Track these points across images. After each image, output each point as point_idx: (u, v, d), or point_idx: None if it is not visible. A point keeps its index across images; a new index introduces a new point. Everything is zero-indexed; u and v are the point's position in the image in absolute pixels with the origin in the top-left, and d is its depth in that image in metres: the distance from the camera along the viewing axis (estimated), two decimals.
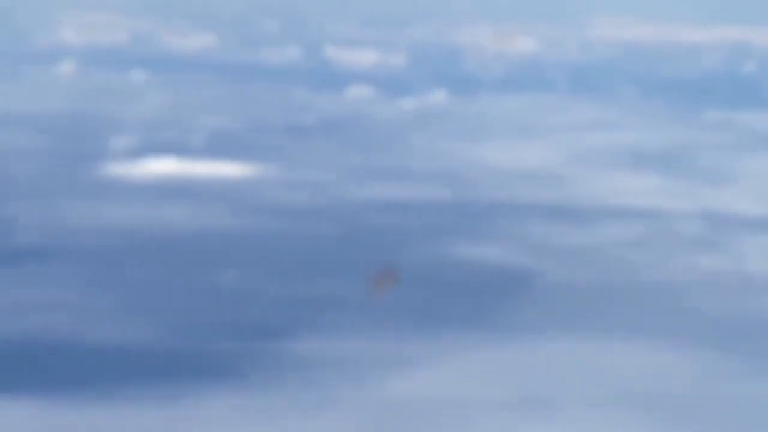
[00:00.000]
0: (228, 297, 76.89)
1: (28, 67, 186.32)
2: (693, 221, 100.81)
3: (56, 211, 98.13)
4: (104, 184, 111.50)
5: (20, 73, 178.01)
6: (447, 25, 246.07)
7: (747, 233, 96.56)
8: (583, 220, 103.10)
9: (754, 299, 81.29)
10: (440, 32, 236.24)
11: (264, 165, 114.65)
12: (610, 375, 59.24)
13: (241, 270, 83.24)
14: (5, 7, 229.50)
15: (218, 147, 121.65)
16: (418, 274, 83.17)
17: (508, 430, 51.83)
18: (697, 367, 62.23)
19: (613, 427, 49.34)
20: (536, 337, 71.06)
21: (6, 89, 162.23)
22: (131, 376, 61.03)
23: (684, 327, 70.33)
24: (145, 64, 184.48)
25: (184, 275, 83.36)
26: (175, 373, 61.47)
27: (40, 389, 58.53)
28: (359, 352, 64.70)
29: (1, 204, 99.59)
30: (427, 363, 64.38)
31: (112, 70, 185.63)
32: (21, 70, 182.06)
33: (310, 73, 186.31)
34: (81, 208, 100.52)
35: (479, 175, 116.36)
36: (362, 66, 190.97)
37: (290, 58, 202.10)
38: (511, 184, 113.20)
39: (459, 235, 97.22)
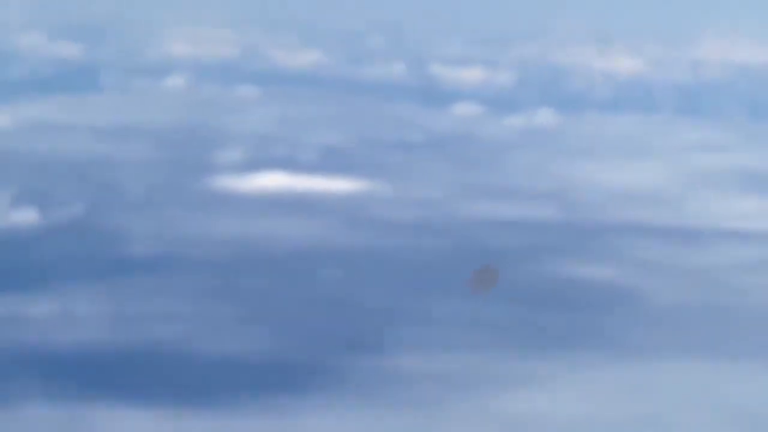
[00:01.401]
0: (337, 310, 77.20)
1: (139, 80, 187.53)
2: None
3: (168, 222, 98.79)
4: (214, 196, 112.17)
5: (131, 86, 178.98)
6: (554, 45, 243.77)
7: None
8: (693, 241, 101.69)
9: None
10: (547, 51, 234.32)
11: (372, 181, 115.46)
12: (721, 396, 58.92)
13: (349, 284, 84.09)
14: (117, 21, 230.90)
15: (327, 162, 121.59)
16: (527, 291, 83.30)
17: None
18: None
19: None
20: (647, 357, 70.46)
21: (118, 102, 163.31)
22: (243, 386, 62.03)
23: None
24: (253, 78, 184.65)
25: (294, 288, 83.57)
26: (286, 384, 62.28)
27: (156, 398, 59.72)
28: (468, 368, 64.96)
29: (115, 215, 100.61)
30: (539, 381, 64.67)
31: (221, 84, 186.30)
32: (132, 83, 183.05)
33: (416, 90, 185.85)
34: (192, 219, 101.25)
35: (588, 195, 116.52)
36: (469, 84, 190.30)
37: (397, 75, 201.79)
38: (620, 205, 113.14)
39: (567, 254, 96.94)
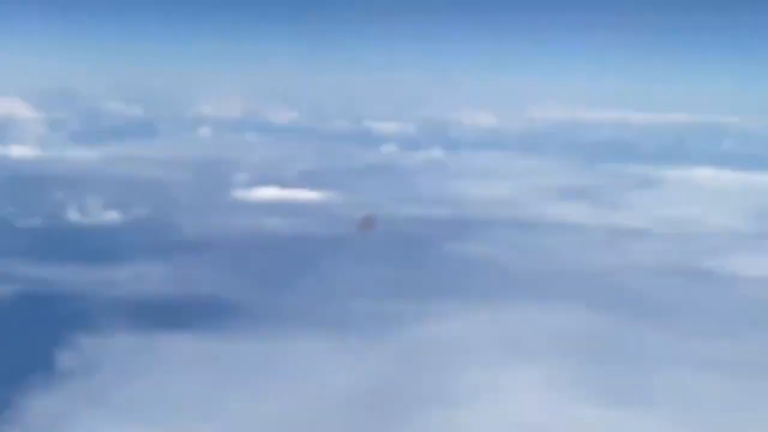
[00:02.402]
0: (308, 273, 78.07)
1: (181, 130, 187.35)
2: (598, 231, 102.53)
3: (204, 219, 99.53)
4: (232, 203, 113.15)
5: (177, 134, 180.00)
6: (442, 108, 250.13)
7: (632, 240, 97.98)
8: (534, 229, 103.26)
9: (633, 281, 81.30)
10: (438, 112, 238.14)
11: (332, 193, 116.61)
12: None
13: (316, 256, 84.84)
14: (168, 91, 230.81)
15: (303, 181, 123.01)
16: (430, 261, 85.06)
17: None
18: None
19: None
20: (503, 302, 70.33)
21: (168, 144, 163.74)
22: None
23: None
24: (255, 129, 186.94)
25: (282, 258, 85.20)
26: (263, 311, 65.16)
27: (201, 329, 60.42)
28: (383, 309, 65.46)
29: (169, 214, 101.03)
30: (432, 316, 65.03)
31: (234, 132, 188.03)
32: (177, 132, 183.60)
33: (357, 136, 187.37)
34: (218, 217, 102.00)
35: (467, 202, 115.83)
36: (390, 132, 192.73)
37: (345, 127, 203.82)
38: (488, 207, 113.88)
39: (457, 238, 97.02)
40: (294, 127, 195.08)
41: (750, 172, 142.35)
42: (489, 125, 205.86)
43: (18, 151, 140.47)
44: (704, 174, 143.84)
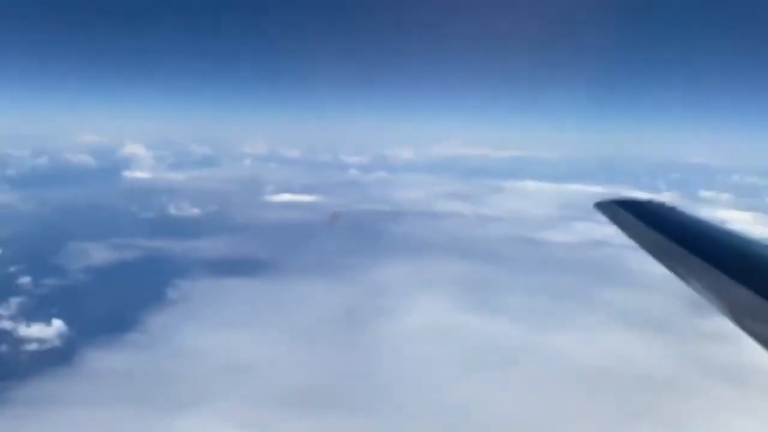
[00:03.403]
0: (302, 245, 78.49)
1: (232, 161, 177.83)
2: (472, 218, 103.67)
3: (246, 213, 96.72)
4: (263, 204, 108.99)
5: (229, 163, 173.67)
6: (382, 148, 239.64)
7: (491, 222, 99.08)
8: (435, 219, 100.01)
9: (493, 245, 79.52)
10: (380, 150, 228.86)
11: (320, 197, 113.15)
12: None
13: (309, 236, 79.75)
14: (224, 135, 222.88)
15: (303, 190, 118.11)
16: (372, 236, 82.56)
17: None
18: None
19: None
20: (414, 259, 68.66)
21: (224, 169, 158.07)
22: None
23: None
24: (274, 161, 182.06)
25: (289, 240, 78.51)
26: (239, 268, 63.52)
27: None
28: (319, 265, 64.53)
29: (227, 211, 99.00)
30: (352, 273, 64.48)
31: (262, 163, 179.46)
32: (229, 162, 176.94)
33: (335, 164, 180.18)
34: (255, 212, 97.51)
35: (400, 201, 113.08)
36: (354, 162, 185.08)
37: (327, 158, 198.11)
38: (410, 205, 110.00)
39: (395, 222, 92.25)
40: (298, 159, 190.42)
41: (556, 184, 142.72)
42: (410, 157, 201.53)
43: (139, 174, 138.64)
44: (531, 185, 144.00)
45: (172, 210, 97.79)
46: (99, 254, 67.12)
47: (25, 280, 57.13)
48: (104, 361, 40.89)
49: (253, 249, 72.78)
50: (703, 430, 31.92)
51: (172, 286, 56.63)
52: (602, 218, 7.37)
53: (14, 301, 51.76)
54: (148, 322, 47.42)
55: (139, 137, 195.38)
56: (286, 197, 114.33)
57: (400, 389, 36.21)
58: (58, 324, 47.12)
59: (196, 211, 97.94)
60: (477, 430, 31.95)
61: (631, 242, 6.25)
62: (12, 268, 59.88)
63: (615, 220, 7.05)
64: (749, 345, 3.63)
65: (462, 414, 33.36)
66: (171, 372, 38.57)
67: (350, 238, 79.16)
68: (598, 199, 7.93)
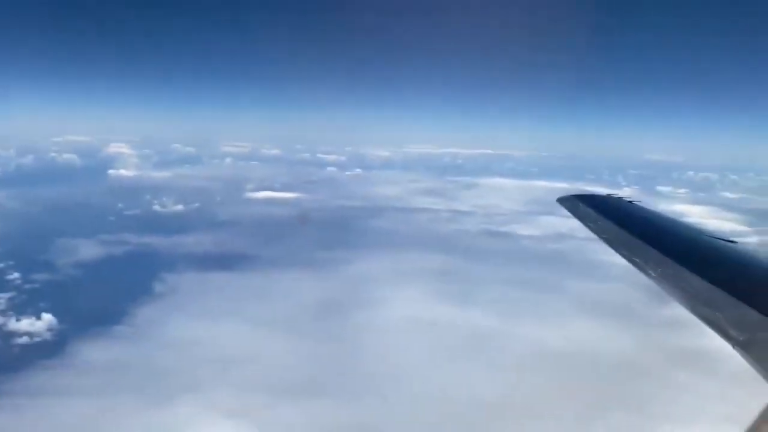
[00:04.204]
0: (285, 235, 76.66)
1: (214, 159, 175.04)
2: (445, 212, 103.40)
3: (229, 210, 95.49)
4: (245, 200, 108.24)
5: (211, 162, 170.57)
6: (362, 147, 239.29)
7: (463, 216, 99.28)
8: (408, 212, 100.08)
9: (464, 238, 79.84)
10: (358, 149, 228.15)
11: (304, 194, 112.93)
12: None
13: (292, 227, 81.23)
14: (207, 135, 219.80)
15: (286, 187, 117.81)
16: (350, 230, 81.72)
17: None
18: None
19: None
20: (391, 252, 68.27)
21: (206, 167, 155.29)
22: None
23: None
24: (256, 159, 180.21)
25: (271, 232, 78.96)
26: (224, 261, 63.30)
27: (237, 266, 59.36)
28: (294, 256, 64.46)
29: (210, 207, 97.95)
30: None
31: (245, 161, 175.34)
32: (211, 160, 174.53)
33: (313, 162, 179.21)
34: (237, 209, 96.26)
35: (377, 197, 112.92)
36: (330, 161, 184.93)
37: (306, 157, 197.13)
38: (389, 200, 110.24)
39: (373, 218, 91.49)
40: (278, 157, 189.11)
41: (523, 181, 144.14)
42: (385, 155, 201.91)
43: (124, 172, 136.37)
44: (499, 182, 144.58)
45: (157, 207, 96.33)
46: (87, 250, 65.98)
47: (14, 276, 56.03)
48: (94, 353, 40.43)
49: (236, 244, 71.97)
50: (664, 407, 32.67)
51: (159, 280, 55.95)
52: (566, 212, 7.38)
53: (3, 297, 50.80)
54: (136, 314, 46.90)
55: (123, 137, 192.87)
56: (267, 194, 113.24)
57: (380, 374, 36.43)
58: (48, 318, 46.33)
59: (180, 207, 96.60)
60: (452, 408, 32.15)
61: (592, 234, 6.29)
62: (0, 265, 58.72)
63: (576, 214, 7.10)
64: (704, 330, 3.74)
65: (439, 395, 33.67)
66: (159, 363, 38.27)
67: (329, 232, 78.85)
68: (561, 195, 7.99)
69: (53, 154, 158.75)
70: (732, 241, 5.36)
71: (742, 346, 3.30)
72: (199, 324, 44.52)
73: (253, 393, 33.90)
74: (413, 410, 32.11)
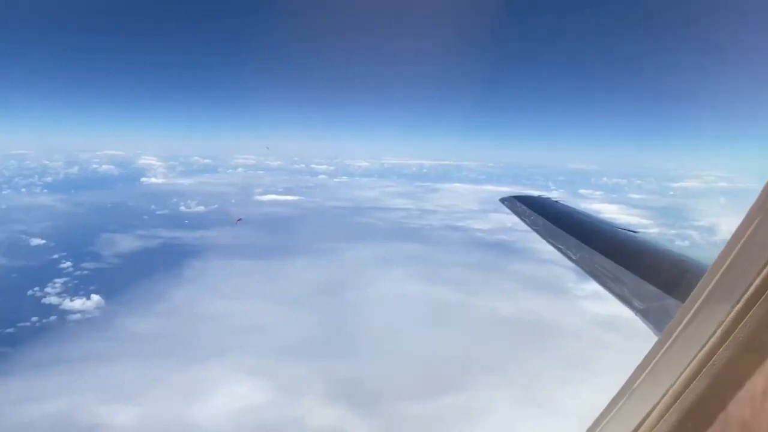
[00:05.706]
0: (273, 230, 76.60)
1: (228, 170, 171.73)
2: (415, 211, 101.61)
3: (241, 210, 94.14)
4: (255, 202, 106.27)
5: (226, 171, 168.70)
6: (346, 156, 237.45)
7: (429, 215, 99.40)
8: (386, 211, 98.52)
9: (431, 233, 79.54)
10: (344, 159, 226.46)
11: (301, 197, 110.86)
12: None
13: (288, 226, 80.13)
14: (222, 149, 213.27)
15: (286, 191, 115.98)
16: (338, 226, 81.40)
17: None
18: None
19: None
20: (374, 243, 67.20)
21: (222, 176, 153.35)
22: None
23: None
24: (263, 169, 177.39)
25: (276, 231, 77.42)
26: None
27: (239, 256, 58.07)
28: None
29: (226, 207, 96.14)
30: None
31: (252, 170, 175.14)
32: (226, 170, 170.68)
33: (308, 171, 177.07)
34: (248, 209, 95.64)
35: (357, 200, 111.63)
36: (320, 170, 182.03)
37: (301, 167, 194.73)
38: (370, 201, 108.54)
39: (356, 215, 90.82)
40: (280, 167, 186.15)
41: (475, 185, 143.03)
42: (366, 166, 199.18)
43: (154, 180, 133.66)
44: (457, 186, 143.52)
45: (183, 208, 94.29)
46: (126, 243, 64.77)
47: (66, 264, 54.84)
48: (136, 326, 39.85)
49: (250, 237, 71.03)
50: (587, 360, 33.50)
51: (188, 267, 55.25)
52: (507, 210, 7.40)
53: (59, 282, 49.73)
54: (171, 294, 46.29)
55: (153, 151, 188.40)
56: (272, 197, 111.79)
57: (374, 338, 36.58)
58: (96, 298, 45.57)
59: (201, 208, 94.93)
60: (427, 360, 32.56)
61: (528, 227, 6.36)
62: (55, 255, 57.37)
63: (515, 211, 7.06)
64: (613, 301, 3.85)
65: (419, 351, 34.00)
66: (191, 333, 37.97)
67: (323, 227, 78.34)
68: (503, 196, 7.97)
69: (95, 165, 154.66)
70: (635, 232, 5.38)
71: (642, 313, 3.42)
72: (223, 301, 44.19)
73: (269, 355, 33.84)
74: (399, 364, 32.34)
